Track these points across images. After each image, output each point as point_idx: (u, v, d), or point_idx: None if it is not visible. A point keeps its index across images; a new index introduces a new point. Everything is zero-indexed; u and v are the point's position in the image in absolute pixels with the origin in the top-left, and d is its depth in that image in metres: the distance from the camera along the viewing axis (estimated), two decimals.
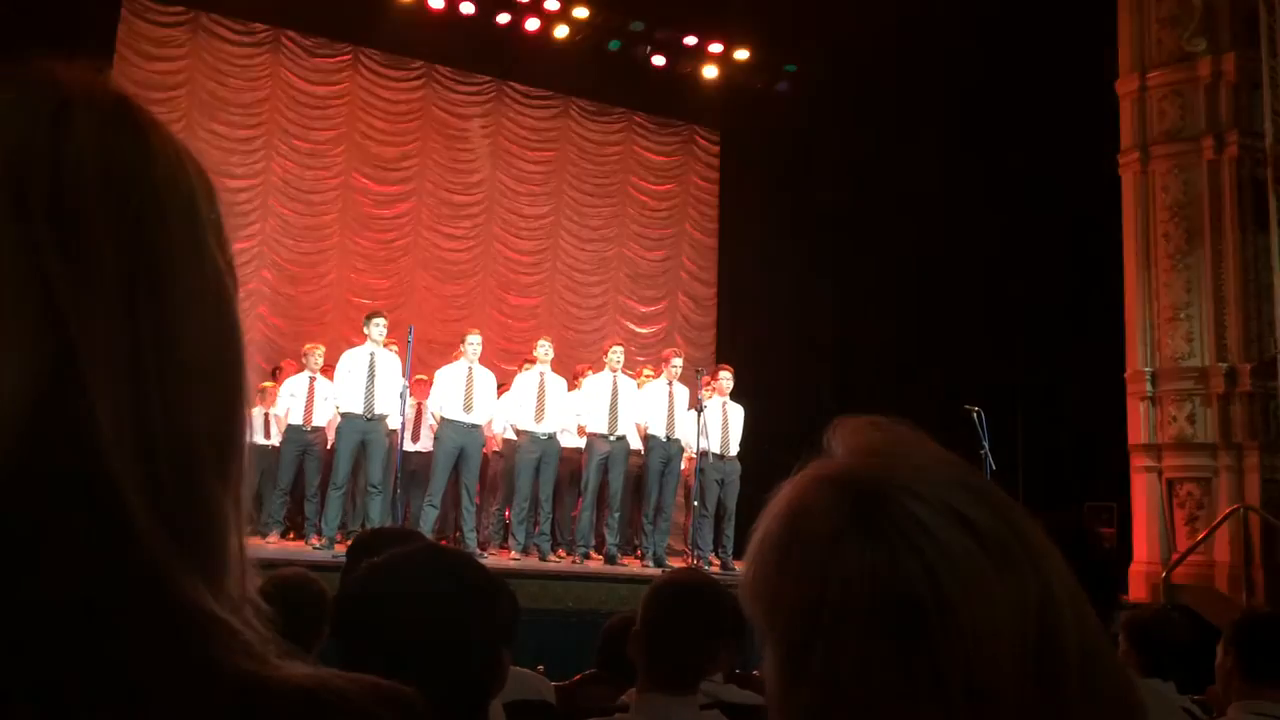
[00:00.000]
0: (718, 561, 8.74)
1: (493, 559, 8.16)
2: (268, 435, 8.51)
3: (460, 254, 11.77)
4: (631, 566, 8.38)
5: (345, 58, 11.42)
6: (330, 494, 7.89)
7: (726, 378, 8.84)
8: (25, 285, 0.50)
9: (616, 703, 2.49)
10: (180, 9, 10.64)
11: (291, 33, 11.12)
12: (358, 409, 7.83)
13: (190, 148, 0.59)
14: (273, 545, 7.91)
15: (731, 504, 8.66)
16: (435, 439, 8.29)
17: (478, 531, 8.45)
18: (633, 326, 12.30)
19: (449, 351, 8.94)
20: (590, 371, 9.05)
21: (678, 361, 8.68)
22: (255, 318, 10.33)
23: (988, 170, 10.48)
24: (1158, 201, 8.81)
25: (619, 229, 12.51)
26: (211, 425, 0.55)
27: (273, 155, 11.00)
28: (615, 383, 8.48)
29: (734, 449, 8.71)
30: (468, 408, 8.03)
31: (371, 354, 7.94)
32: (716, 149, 13.06)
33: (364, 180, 11.41)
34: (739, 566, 8.12)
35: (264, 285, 10.64)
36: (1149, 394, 8.67)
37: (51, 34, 8.26)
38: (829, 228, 12.20)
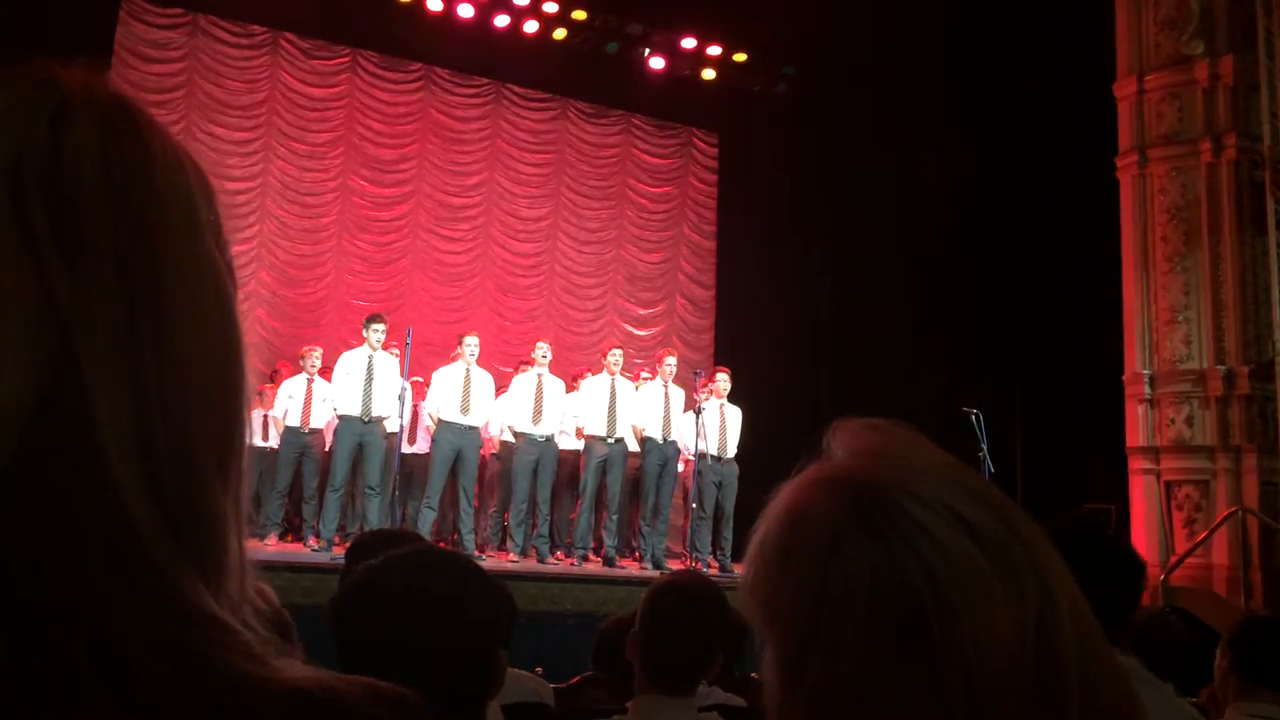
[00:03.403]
0: (716, 564, 8.74)
1: (491, 561, 8.16)
2: (265, 437, 8.51)
3: (458, 256, 11.76)
4: (630, 569, 8.38)
5: (343, 60, 11.42)
6: (328, 496, 7.89)
7: (724, 380, 8.84)
8: (25, 286, 0.50)
9: (619, 706, 2.49)
10: (178, 11, 10.63)
11: (290, 35, 11.12)
12: (355, 411, 7.83)
13: (188, 150, 0.60)
14: (271, 547, 7.91)
15: (729, 506, 8.66)
16: (432, 441, 8.28)
17: (476, 533, 8.45)
18: (631, 329, 12.30)
19: (446, 353, 8.94)
20: (589, 374, 9.06)
21: (671, 360, 8.69)
22: (253, 320, 10.32)
23: (986, 173, 10.49)
24: (1156, 204, 8.81)
25: (617, 231, 12.51)
26: (211, 426, 0.55)
27: (271, 157, 10.99)
28: (613, 385, 8.48)
29: (731, 451, 8.71)
30: (465, 410, 8.03)
31: (369, 356, 7.93)
32: (715, 151, 13.06)
33: (362, 182, 11.41)
34: (737, 569, 8.12)
35: (262, 287, 10.64)
36: (1147, 396, 8.67)
37: (50, 36, 8.26)
38: (827, 230, 12.21)
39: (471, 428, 8.10)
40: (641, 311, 12.52)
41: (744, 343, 11.89)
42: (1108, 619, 1.85)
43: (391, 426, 8.01)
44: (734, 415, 8.78)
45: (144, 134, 0.56)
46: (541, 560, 8.26)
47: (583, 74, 11.93)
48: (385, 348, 8.09)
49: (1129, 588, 1.97)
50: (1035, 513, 0.66)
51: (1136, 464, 8.70)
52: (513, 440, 8.53)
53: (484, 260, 11.86)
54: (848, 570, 0.61)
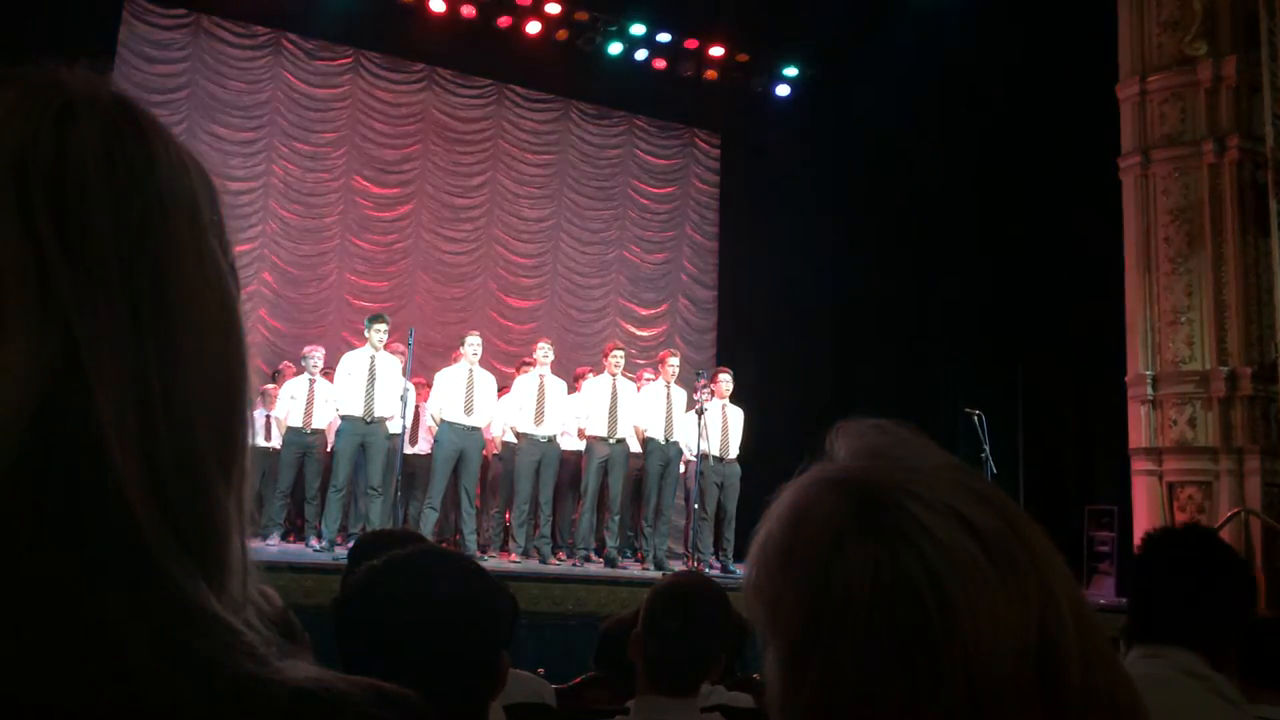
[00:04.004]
0: (718, 564, 8.74)
1: (493, 562, 8.17)
2: (268, 438, 8.51)
3: (460, 257, 11.77)
4: (632, 569, 8.38)
5: (346, 60, 11.43)
6: (330, 496, 7.89)
7: (726, 380, 8.84)
8: (29, 287, 0.50)
9: (621, 707, 2.49)
10: (181, 11, 10.65)
11: (292, 35, 11.13)
12: (358, 412, 7.83)
13: (191, 150, 0.60)
14: (274, 547, 7.91)
15: (731, 507, 8.65)
16: (435, 441, 8.29)
17: (478, 534, 8.45)
18: (633, 329, 12.30)
19: (448, 354, 8.94)
20: (590, 374, 9.06)
21: (674, 361, 8.69)
22: (255, 320, 10.32)
23: (988, 173, 10.48)
24: (1158, 205, 8.80)
25: (619, 232, 12.52)
26: (214, 426, 0.55)
27: (273, 158, 11.00)
28: (615, 386, 8.48)
29: (733, 452, 8.70)
30: (468, 410, 8.03)
31: (372, 357, 7.94)
32: (717, 152, 13.06)
33: (364, 183, 11.42)
34: (739, 569, 8.12)
35: (264, 287, 10.65)
36: (1149, 397, 8.66)
37: (53, 37, 8.27)
38: (829, 230, 12.21)
39: (474, 428, 8.11)
40: (644, 312, 12.52)
41: (746, 343, 11.89)
42: (1220, 630, 1.83)
43: (394, 427, 8.01)
44: (736, 416, 8.78)
45: (147, 135, 0.56)
46: (543, 561, 8.27)
47: (585, 74, 11.94)
48: (388, 349, 8.09)
49: (1240, 598, 1.94)
50: (1038, 514, 0.66)
51: (1139, 465, 8.69)
52: (514, 441, 8.54)
53: (486, 261, 11.87)
54: (850, 571, 0.61)
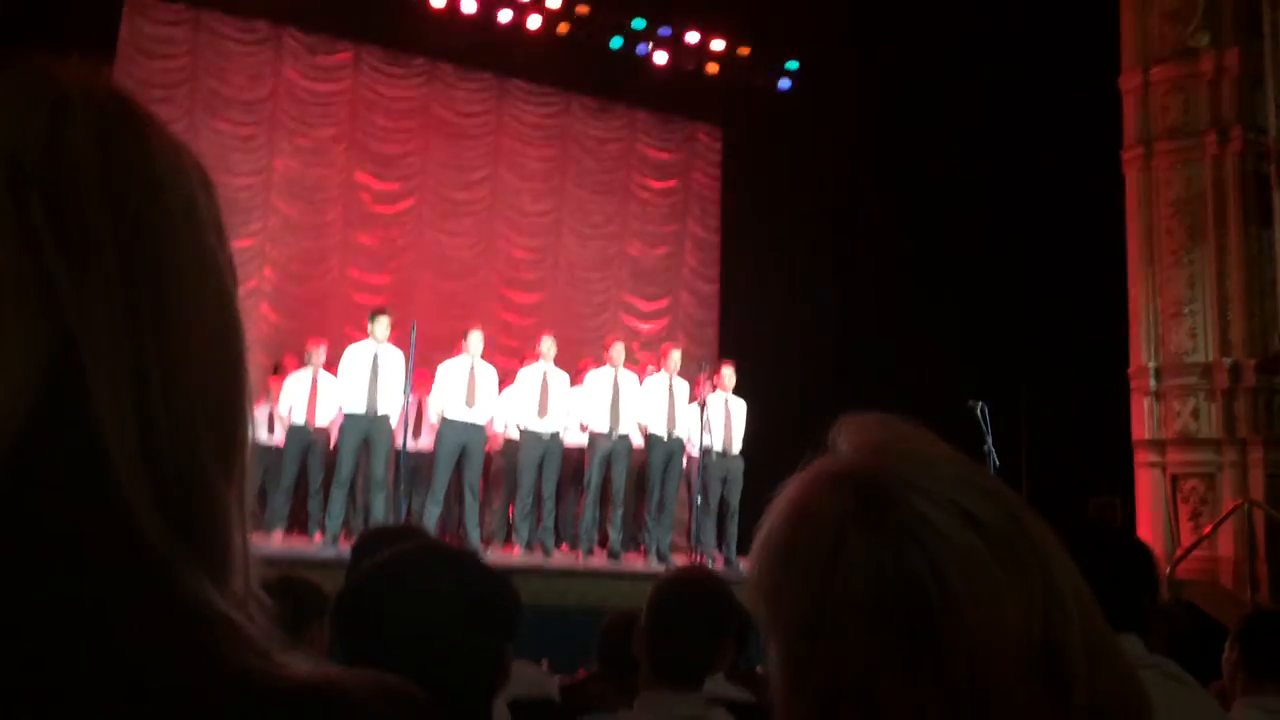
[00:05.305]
0: (721, 558, 8.74)
1: (496, 556, 8.17)
2: (271, 433, 8.51)
3: (462, 251, 11.76)
4: (635, 563, 8.39)
5: (347, 55, 11.41)
6: (333, 491, 7.89)
7: (729, 374, 8.83)
8: (25, 283, 0.50)
9: (624, 701, 2.49)
10: (182, 7, 10.63)
11: (293, 30, 11.11)
12: (361, 406, 7.83)
13: (192, 146, 0.59)
14: (277, 543, 7.91)
15: (735, 501, 8.65)
16: (437, 436, 8.28)
17: (481, 528, 8.45)
18: (635, 323, 12.29)
19: (450, 348, 8.94)
20: (592, 366, 9.06)
21: (676, 354, 8.69)
22: (257, 316, 10.32)
23: (990, 166, 10.46)
24: (1161, 197, 8.80)
25: (621, 226, 12.50)
26: (214, 422, 0.55)
27: (275, 153, 10.98)
28: (616, 379, 8.48)
29: (737, 445, 8.70)
30: (470, 404, 8.03)
31: (375, 351, 7.94)
32: (719, 146, 13.04)
33: (366, 177, 11.40)
34: (743, 563, 8.12)
35: (266, 283, 10.64)
36: (1153, 389, 8.66)
37: (54, 33, 8.27)
38: (831, 224, 12.19)
39: (476, 423, 8.11)
40: (645, 306, 12.51)
41: (748, 337, 11.87)
42: (1130, 611, 1.88)
43: (394, 421, 8.01)
44: (739, 409, 8.78)
45: (142, 129, 0.56)
46: (546, 555, 8.27)
47: (586, 68, 11.91)
48: (393, 343, 8.09)
49: (1144, 577, 2.01)
50: (1041, 506, 0.66)
51: (1142, 457, 8.69)
52: (517, 435, 8.54)
53: (488, 255, 11.86)
54: (853, 566, 0.60)
